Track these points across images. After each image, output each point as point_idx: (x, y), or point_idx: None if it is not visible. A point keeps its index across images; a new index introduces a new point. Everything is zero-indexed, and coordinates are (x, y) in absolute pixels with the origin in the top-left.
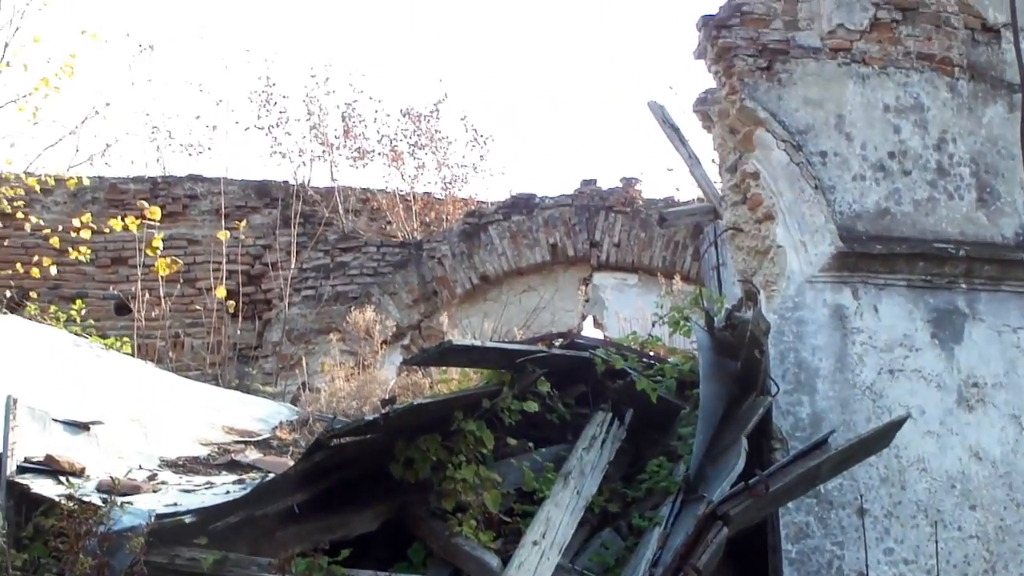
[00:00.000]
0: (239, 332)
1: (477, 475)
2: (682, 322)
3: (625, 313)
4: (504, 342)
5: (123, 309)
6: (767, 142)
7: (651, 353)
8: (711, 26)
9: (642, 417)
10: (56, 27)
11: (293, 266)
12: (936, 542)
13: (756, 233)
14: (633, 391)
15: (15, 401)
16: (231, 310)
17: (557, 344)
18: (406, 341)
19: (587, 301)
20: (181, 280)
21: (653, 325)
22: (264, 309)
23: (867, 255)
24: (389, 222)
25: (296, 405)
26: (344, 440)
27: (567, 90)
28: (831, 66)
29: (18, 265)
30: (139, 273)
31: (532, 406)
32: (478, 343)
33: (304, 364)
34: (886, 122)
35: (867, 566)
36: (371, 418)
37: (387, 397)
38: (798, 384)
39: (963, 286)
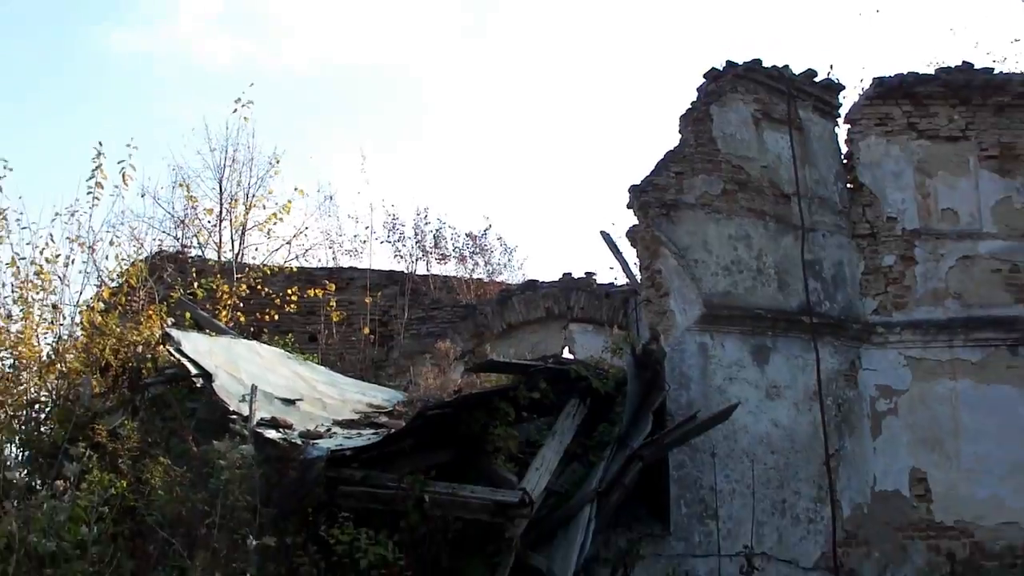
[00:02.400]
0: (375, 353)
1: (505, 432)
2: (618, 350)
3: (587, 346)
4: (521, 361)
5: (313, 339)
6: (665, 254)
7: (600, 368)
8: (636, 191)
9: (595, 402)
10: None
11: (405, 317)
12: (752, 470)
13: (658, 303)
14: (590, 388)
15: (255, 387)
16: (372, 341)
17: (549, 362)
18: (466, 359)
19: (565, 339)
20: (345, 324)
21: (602, 352)
22: (389, 340)
23: (718, 316)
24: (458, 294)
25: (406, 393)
26: (432, 412)
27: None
28: (701, 213)
29: (259, 315)
30: (322, 319)
31: (536, 395)
32: (507, 360)
33: (411, 371)
34: (730, 245)
35: (715, 481)
36: (447, 400)
37: (455, 389)
38: (680, 385)
39: (769, 333)
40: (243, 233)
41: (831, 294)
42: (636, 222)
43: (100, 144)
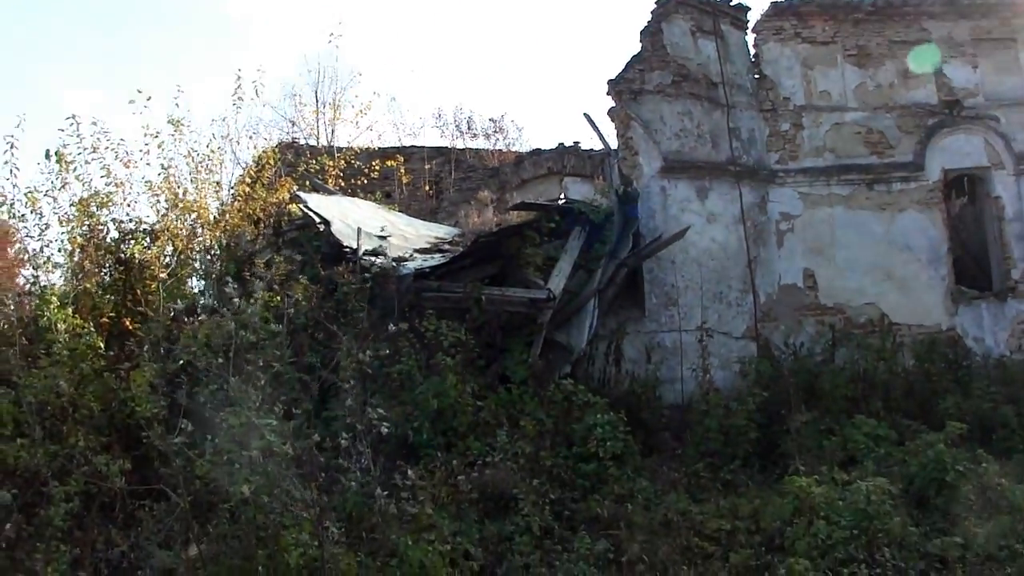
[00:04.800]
0: (432, 204)
1: (533, 251)
2: (605, 193)
3: (578, 193)
4: (543, 202)
5: (388, 196)
6: (635, 126)
7: (594, 205)
8: (612, 83)
9: (592, 229)
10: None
11: (454, 177)
12: (699, 272)
13: (631, 160)
14: (588, 219)
15: (359, 229)
16: (429, 195)
17: (561, 202)
18: (495, 204)
19: (562, 188)
20: (410, 185)
21: (592, 196)
22: (440, 195)
23: (672, 168)
24: (486, 161)
25: (458, 228)
26: (484, 239)
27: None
28: (657, 97)
29: (353, 180)
30: (395, 182)
31: (552, 225)
32: (534, 201)
33: (458, 214)
34: (678, 118)
35: (675, 280)
36: (493, 231)
37: (497, 224)
38: (648, 216)
39: (707, 179)
40: (333, 127)
41: (748, 151)
42: (613, 104)
43: (239, 69)
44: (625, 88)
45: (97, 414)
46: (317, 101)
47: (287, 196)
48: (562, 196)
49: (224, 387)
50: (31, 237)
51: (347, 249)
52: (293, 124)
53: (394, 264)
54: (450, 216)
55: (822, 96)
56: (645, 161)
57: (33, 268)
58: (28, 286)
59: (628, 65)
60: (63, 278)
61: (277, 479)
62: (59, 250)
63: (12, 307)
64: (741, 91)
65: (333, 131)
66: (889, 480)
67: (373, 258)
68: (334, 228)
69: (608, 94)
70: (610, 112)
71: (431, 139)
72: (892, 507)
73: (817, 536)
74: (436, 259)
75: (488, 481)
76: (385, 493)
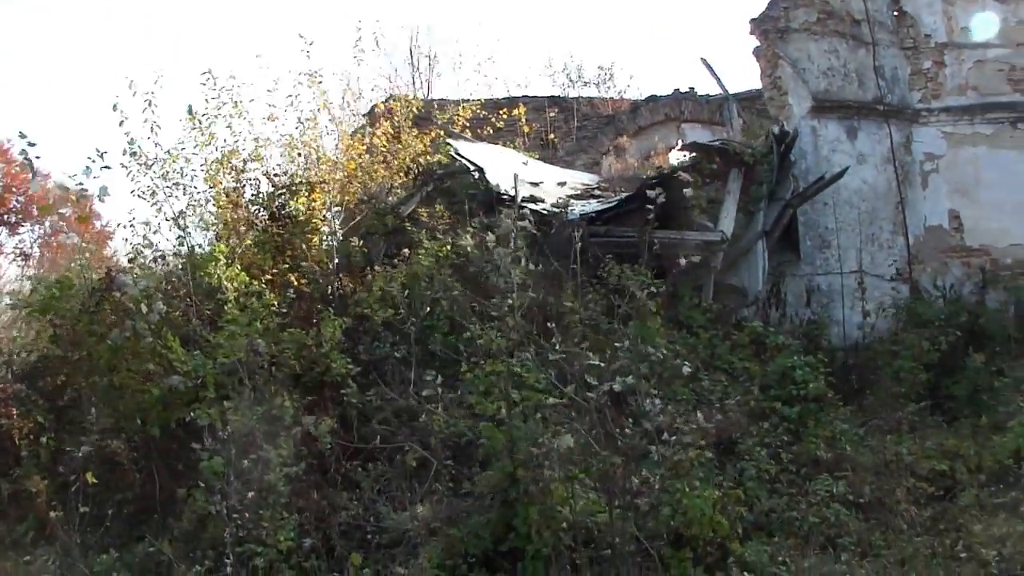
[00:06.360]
0: (548, 152)
1: (697, 193)
2: (754, 135)
3: (695, 139)
4: (706, 142)
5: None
6: (783, 64)
7: (747, 145)
8: (756, 21)
9: (748, 169)
10: None
11: (575, 124)
12: (855, 214)
13: (779, 100)
14: (743, 160)
15: (516, 175)
16: (545, 144)
17: (717, 143)
18: (608, 151)
19: (679, 135)
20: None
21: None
22: (554, 144)
23: (822, 107)
24: (600, 109)
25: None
26: (651, 180)
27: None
28: (804, 35)
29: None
30: (517, 131)
31: (713, 166)
32: (699, 142)
33: (602, 161)
34: (824, 57)
35: (829, 222)
36: (660, 173)
37: (657, 167)
38: (799, 156)
39: (855, 118)
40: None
41: (891, 89)
42: (758, 44)
43: (359, 21)
44: (771, 27)
45: (298, 372)
46: (412, 55)
47: (423, 146)
48: (678, 141)
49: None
50: (176, 197)
51: (504, 195)
52: (389, 80)
53: (556, 210)
54: (567, 165)
55: (964, 33)
56: (795, 101)
57: (180, 229)
58: (177, 246)
59: (772, 3)
60: (209, 237)
61: (542, 431)
62: (195, 208)
63: (181, 267)
64: (882, 28)
65: (429, 85)
66: None
67: (532, 205)
68: (489, 174)
69: (751, 33)
70: (755, 51)
71: (540, 89)
72: None
73: None
74: (594, 204)
75: (721, 427)
76: (672, 438)
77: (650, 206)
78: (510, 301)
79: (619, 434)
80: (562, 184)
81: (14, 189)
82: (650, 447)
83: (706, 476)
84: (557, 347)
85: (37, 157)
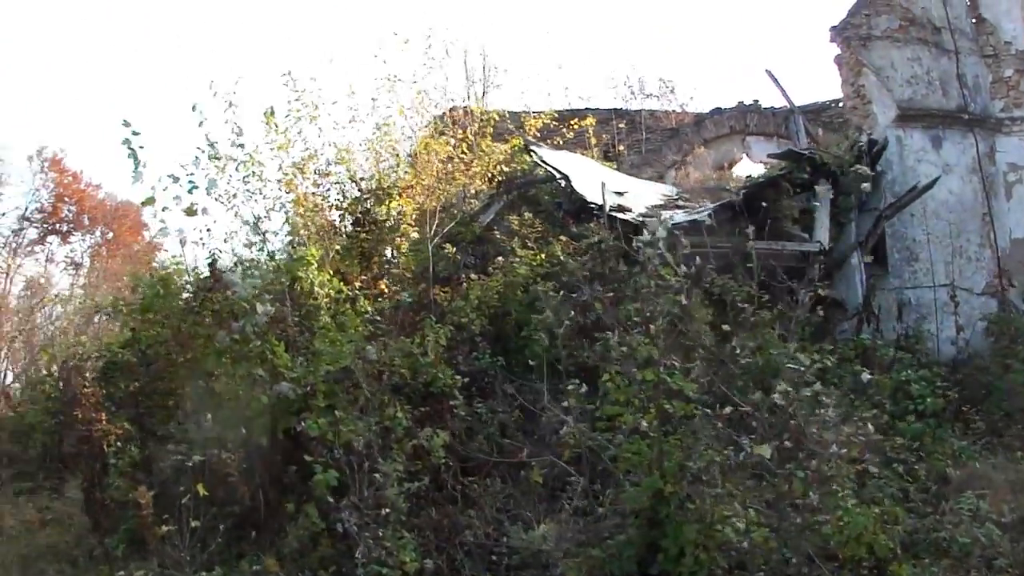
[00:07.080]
0: (615, 164)
1: (789, 203)
2: (838, 146)
3: (760, 152)
4: (798, 150)
5: (608, 157)
6: (866, 72)
7: (835, 155)
8: (838, 29)
9: (835, 181)
10: None
11: (642, 136)
12: (939, 225)
13: (862, 109)
14: (831, 171)
15: (603, 183)
16: (609, 156)
17: (807, 152)
18: (675, 165)
19: (745, 148)
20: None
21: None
22: (618, 156)
23: (906, 116)
24: (663, 122)
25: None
26: (745, 191)
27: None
28: (887, 42)
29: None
30: (587, 141)
31: (805, 176)
32: (793, 150)
33: (666, 173)
34: (907, 65)
35: (916, 234)
36: (752, 183)
37: (747, 177)
38: (885, 167)
39: (940, 127)
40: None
41: (974, 98)
42: (839, 52)
43: (430, 28)
44: (853, 34)
45: (409, 382)
46: (466, 68)
47: (504, 155)
48: (743, 155)
49: (622, 342)
50: (256, 200)
51: (592, 204)
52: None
53: (644, 220)
54: (659, 176)
55: None
56: (879, 110)
57: (256, 234)
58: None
59: (853, 10)
60: (286, 242)
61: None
62: (268, 213)
63: (272, 272)
64: (963, 36)
65: (484, 95)
66: None
67: (619, 214)
68: (576, 182)
69: (832, 41)
70: (836, 59)
71: (602, 102)
72: None
73: None
74: (681, 215)
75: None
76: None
77: (747, 215)
78: (657, 306)
79: (798, 447)
80: (646, 194)
81: (66, 199)
82: (811, 461)
83: (856, 493)
84: (738, 353)
85: (141, 147)
